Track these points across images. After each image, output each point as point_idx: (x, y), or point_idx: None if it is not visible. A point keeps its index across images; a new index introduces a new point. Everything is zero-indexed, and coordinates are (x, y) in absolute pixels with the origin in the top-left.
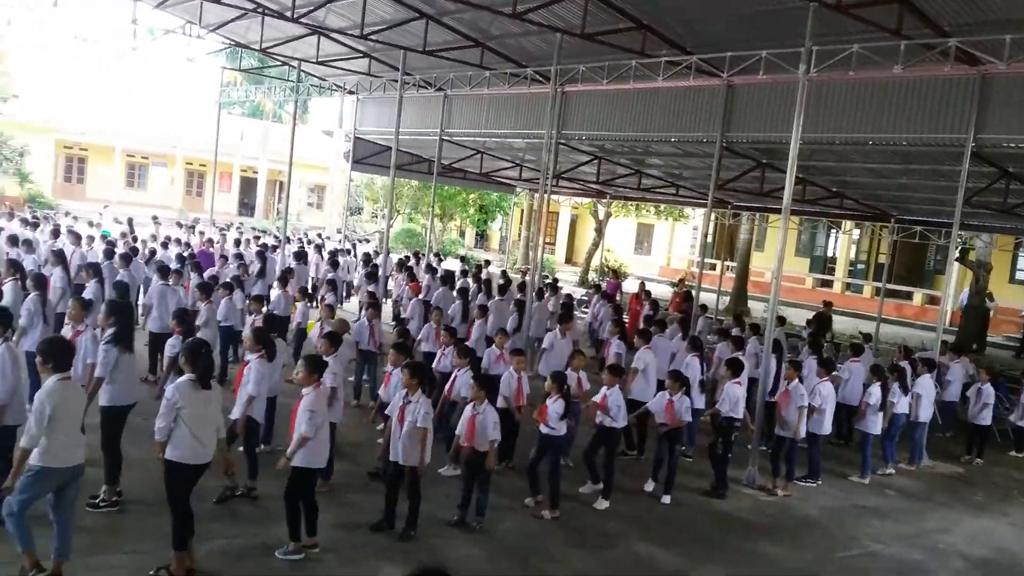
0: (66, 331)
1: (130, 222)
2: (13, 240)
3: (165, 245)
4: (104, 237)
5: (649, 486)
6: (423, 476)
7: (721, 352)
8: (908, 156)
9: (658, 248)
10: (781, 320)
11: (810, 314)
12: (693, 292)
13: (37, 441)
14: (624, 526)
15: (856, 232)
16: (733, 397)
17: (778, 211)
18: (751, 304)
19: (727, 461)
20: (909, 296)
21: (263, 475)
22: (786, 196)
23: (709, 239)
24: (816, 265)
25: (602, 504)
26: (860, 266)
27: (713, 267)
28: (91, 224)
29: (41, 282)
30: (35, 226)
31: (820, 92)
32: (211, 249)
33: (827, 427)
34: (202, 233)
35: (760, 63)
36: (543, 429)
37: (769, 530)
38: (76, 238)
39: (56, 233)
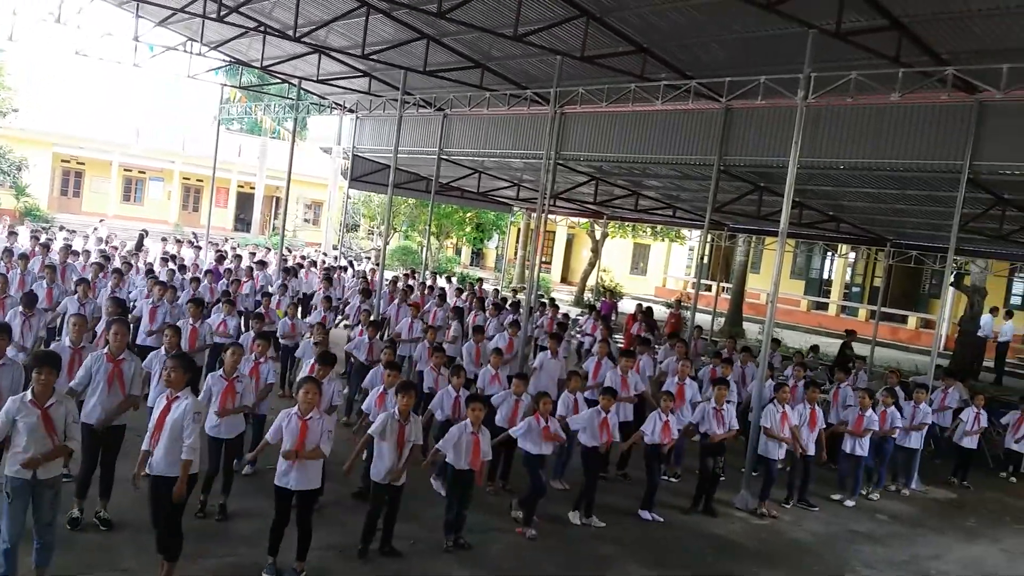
0: (64, 346)
1: (140, 238)
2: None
3: (165, 261)
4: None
5: (646, 515)
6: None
7: (704, 373)
8: (904, 181)
9: (654, 269)
10: (776, 343)
11: (805, 337)
12: (652, 310)
13: None
14: (617, 549)
15: (852, 255)
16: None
17: (775, 234)
18: (746, 326)
19: (704, 480)
20: (904, 320)
21: (253, 495)
22: (783, 219)
23: (705, 260)
24: (811, 287)
25: (576, 518)
26: (855, 289)
27: (709, 288)
28: (85, 238)
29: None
30: (37, 240)
31: (818, 117)
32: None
33: (811, 448)
34: (199, 248)
35: (759, 88)
36: (527, 448)
37: (761, 554)
38: (72, 254)
39: (47, 247)
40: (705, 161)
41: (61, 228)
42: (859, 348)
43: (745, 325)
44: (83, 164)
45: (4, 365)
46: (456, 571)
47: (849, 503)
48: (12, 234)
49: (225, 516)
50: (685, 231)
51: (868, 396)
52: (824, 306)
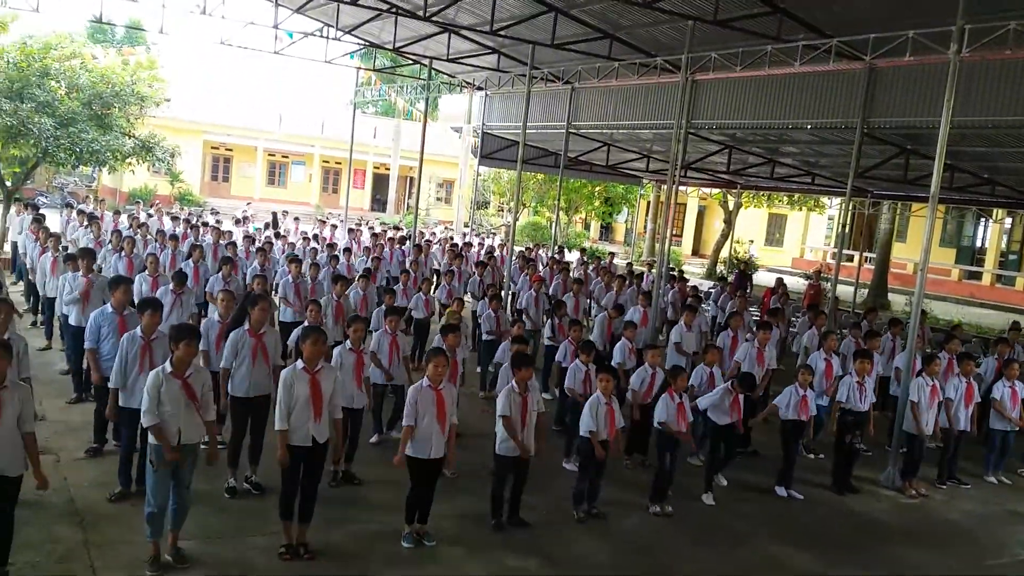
0: (213, 320)
1: (274, 216)
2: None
3: (307, 240)
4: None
5: (781, 491)
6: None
7: (846, 347)
8: None
9: (791, 239)
10: (924, 314)
11: (955, 308)
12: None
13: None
14: (753, 526)
15: (1008, 221)
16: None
17: (923, 199)
18: (892, 297)
19: (845, 457)
20: None
21: (377, 463)
22: (933, 183)
23: (847, 229)
24: (963, 256)
25: (709, 499)
26: (1012, 257)
27: (851, 258)
28: (237, 221)
29: (181, 277)
30: (187, 223)
31: (972, 73)
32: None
33: (963, 424)
34: (351, 230)
35: (906, 44)
36: (660, 426)
37: (910, 534)
38: (218, 233)
39: (197, 229)
40: (847, 124)
41: (212, 211)
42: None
43: (890, 296)
44: (231, 150)
45: (157, 339)
46: (586, 542)
47: (1004, 480)
48: (175, 218)
49: (360, 481)
50: (824, 199)
51: (1018, 367)
52: (977, 275)
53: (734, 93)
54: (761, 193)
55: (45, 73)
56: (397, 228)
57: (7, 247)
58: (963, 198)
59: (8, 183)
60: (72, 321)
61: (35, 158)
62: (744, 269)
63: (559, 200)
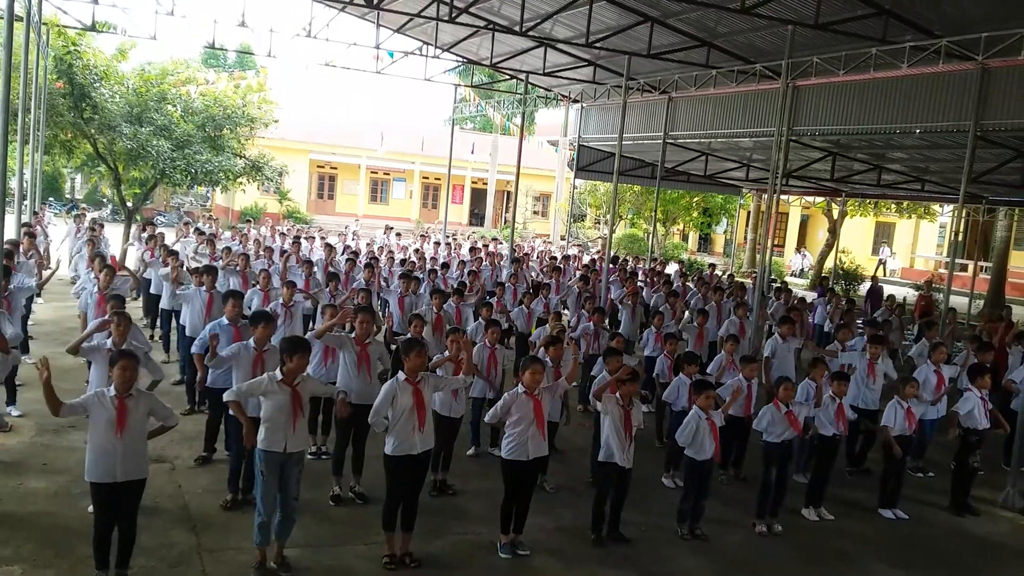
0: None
1: (388, 230)
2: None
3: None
4: None
5: (887, 513)
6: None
7: (960, 359)
8: None
9: (899, 248)
10: None
11: None
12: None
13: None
14: (860, 546)
15: None
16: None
17: None
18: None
19: (965, 477)
20: None
21: (478, 475)
22: None
23: (960, 237)
24: None
25: (811, 514)
26: None
27: (964, 268)
28: (339, 236)
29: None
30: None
31: None
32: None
33: None
34: (437, 244)
35: (1021, 42)
36: (768, 438)
37: None
38: (329, 250)
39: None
40: (959, 127)
41: (319, 230)
42: None
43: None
44: (335, 168)
45: (269, 351)
46: (688, 560)
47: None
48: (282, 235)
49: (454, 491)
50: (935, 206)
51: None
52: None
53: (837, 98)
54: (867, 201)
55: (162, 98)
56: (496, 240)
57: (128, 263)
58: None
59: (129, 203)
60: (188, 333)
61: (153, 179)
62: (874, 283)
63: (656, 211)
